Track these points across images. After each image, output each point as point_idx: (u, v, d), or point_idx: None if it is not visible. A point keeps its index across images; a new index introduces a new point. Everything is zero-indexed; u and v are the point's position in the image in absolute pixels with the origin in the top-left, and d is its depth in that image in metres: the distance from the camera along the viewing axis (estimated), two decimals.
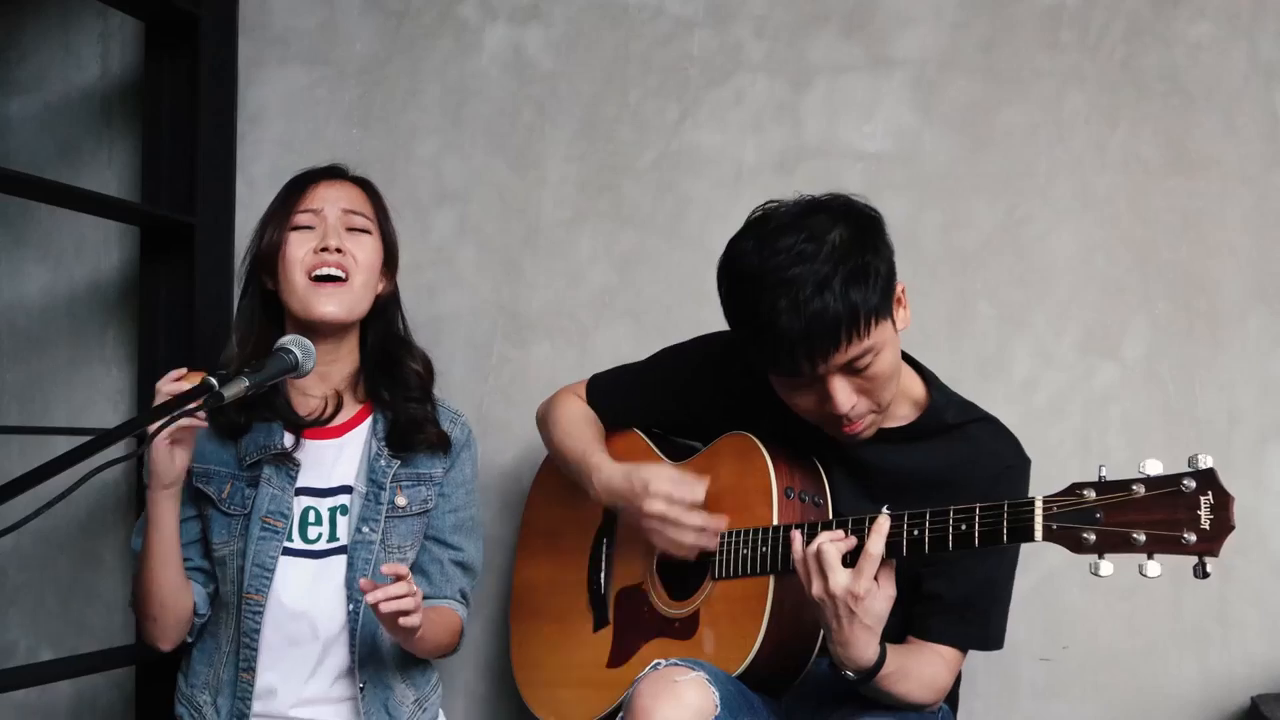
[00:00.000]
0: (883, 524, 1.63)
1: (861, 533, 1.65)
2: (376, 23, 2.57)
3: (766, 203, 1.77)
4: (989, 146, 2.27)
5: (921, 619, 1.77)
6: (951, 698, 1.91)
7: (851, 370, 1.67)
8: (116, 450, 1.56)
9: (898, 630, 1.78)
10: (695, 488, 1.82)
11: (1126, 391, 2.19)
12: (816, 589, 1.64)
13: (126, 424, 1.62)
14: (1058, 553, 1.56)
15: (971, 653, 1.87)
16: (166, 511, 1.86)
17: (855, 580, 1.61)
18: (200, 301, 2.45)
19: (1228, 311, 2.16)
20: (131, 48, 2.67)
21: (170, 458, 1.81)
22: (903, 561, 1.67)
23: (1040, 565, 2.11)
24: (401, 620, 1.78)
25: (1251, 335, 2.15)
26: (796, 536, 1.69)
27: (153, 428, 1.64)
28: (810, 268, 1.61)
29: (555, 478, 2.14)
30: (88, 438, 1.51)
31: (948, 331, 2.24)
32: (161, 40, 2.53)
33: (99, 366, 2.67)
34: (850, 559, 1.64)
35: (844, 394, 1.68)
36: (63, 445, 1.65)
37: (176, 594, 1.93)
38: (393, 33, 2.56)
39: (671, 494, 1.82)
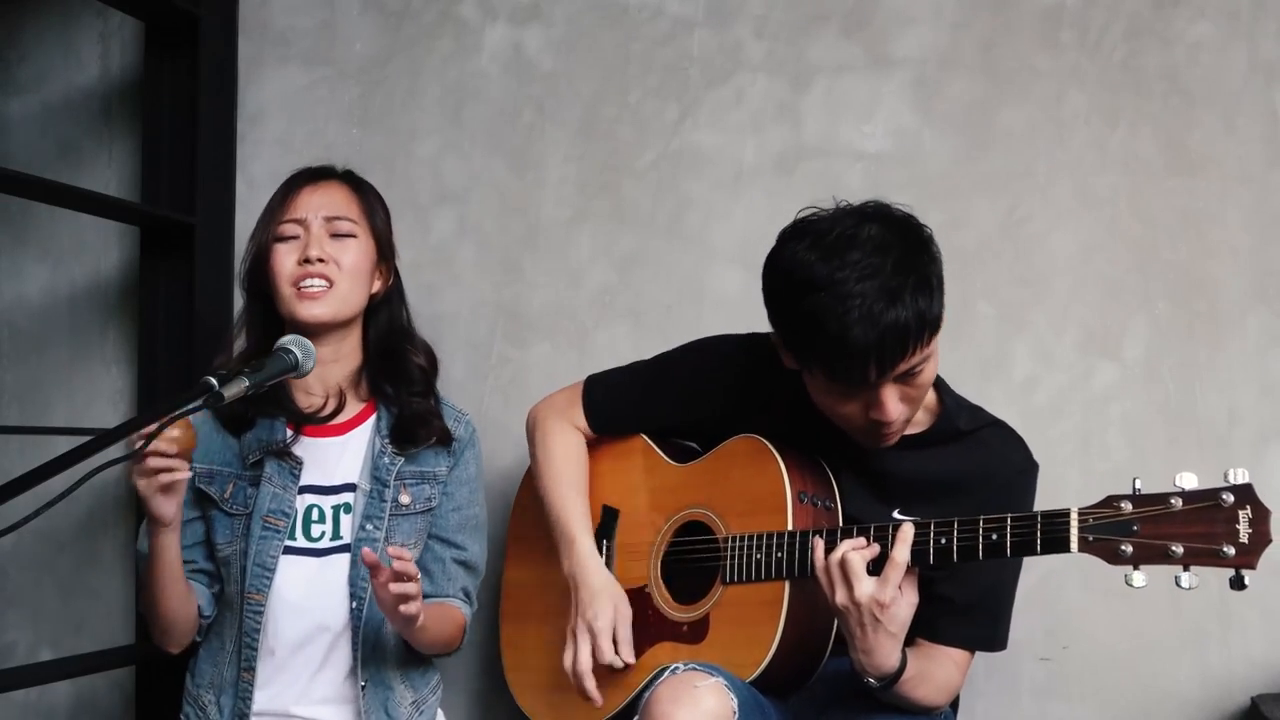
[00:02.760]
0: (907, 532, 1.63)
1: (885, 540, 1.66)
2: (376, 23, 2.57)
3: (805, 211, 1.74)
4: (989, 146, 2.27)
5: (930, 621, 1.77)
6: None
7: (906, 378, 1.68)
8: (116, 450, 1.56)
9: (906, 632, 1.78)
10: (620, 656, 1.84)
11: (1126, 391, 2.19)
12: (841, 597, 1.64)
13: (126, 424, 1.61)
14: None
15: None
16: (167, 546, 1.87)
17: (881, 589, 1.62)
18: (200, 301, 2.45)
19: (1228, 311, 2.16)
20: (131, 48, 2.67)
21: (164, 503, 1.80)
22: (924, 568, 1.67)
23: (1040, 565, 2.10)
24: (402, 608, 1.78)
25: (1251, 335, 2.15)
26: (819, 544, 1.69)
27: (156, 425, 1.63)
28: (880, 281, 1.61)
29: None
30: (88, 438, 1.51)
31: (948, 331, 2.20)
32: (161, 40, 2.53)
33: (99, 366, 2.67)
34: (873, 567, 1.64)
35: (893, 402, 1.69)
36: (63, 445, 1.65)
37: (181, 608, 1.95)
38: (393, 33, 2.56)
39: (600, 643, 1.83)
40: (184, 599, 1.95)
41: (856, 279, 1.61)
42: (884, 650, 1.64)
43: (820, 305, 1.62)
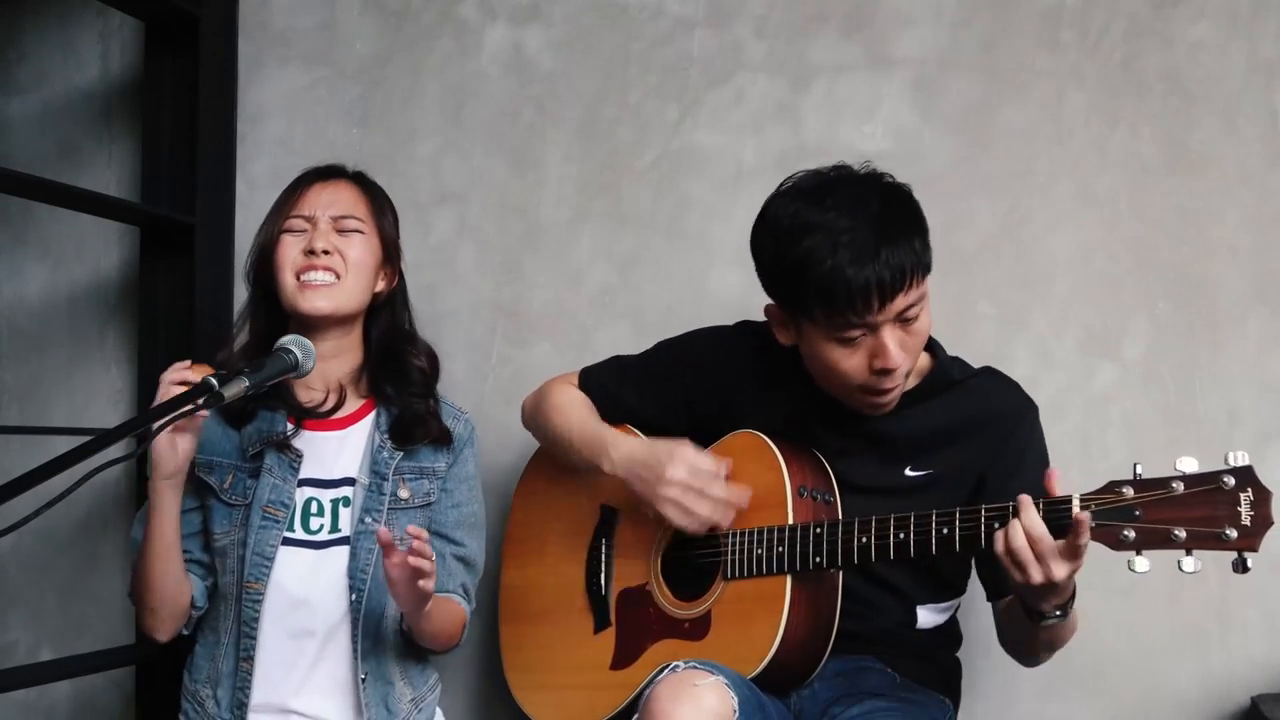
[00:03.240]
0: (1083, 519, 1.56)
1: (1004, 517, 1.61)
2: (376, 23, 2.57)
3: (784, 180, 1.81)
4: (989, 146, 2.27)
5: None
6: (954, 695, 1.92)
7: (903, 320, 1.71)
8: (116, 450, 1.57)
9: (996, 590, 1.85)
10: (720, 462, 1.84)
11: (1126, 391, 2.19)
12: (1036, 576, 1.57)
13: (126, 424, 1.62)
14: None
15: (970, 653, 1.93)
16: (168, 502, 1.87)
17: (1073, 560, 1.56)
18: (200, 301, 2.45)
19: (1228, 311, 2.16)
20: (131, 48, 2.67)
21: (173, 447, 1.82)
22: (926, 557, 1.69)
23: None
24: (420, 583, 1.78)
25: (1251, 335, 2.15)
26: (999, 533, 1.59)
27: (154, 426, 1.64)
28: (869, 214, 1.68)
29: (543, 478, 2.14)
30: (88, 438, 1.51)
31: (948, 331, 2.22)
32: (161, 40, 2.53)
33: (99, 366, 2.67)
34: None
35: (895, 346, 1.71)
36: (63, 445, 1.65)
37: (176, 586, 1.94)
38: (393, 33, 2.56)
39: (696, 464, 1.83)
40: (178, 578, 1.94)
41: (848, 215, 1.67)
42: (1069, 588, 1.62)
43: (815, 244, 1.67)
